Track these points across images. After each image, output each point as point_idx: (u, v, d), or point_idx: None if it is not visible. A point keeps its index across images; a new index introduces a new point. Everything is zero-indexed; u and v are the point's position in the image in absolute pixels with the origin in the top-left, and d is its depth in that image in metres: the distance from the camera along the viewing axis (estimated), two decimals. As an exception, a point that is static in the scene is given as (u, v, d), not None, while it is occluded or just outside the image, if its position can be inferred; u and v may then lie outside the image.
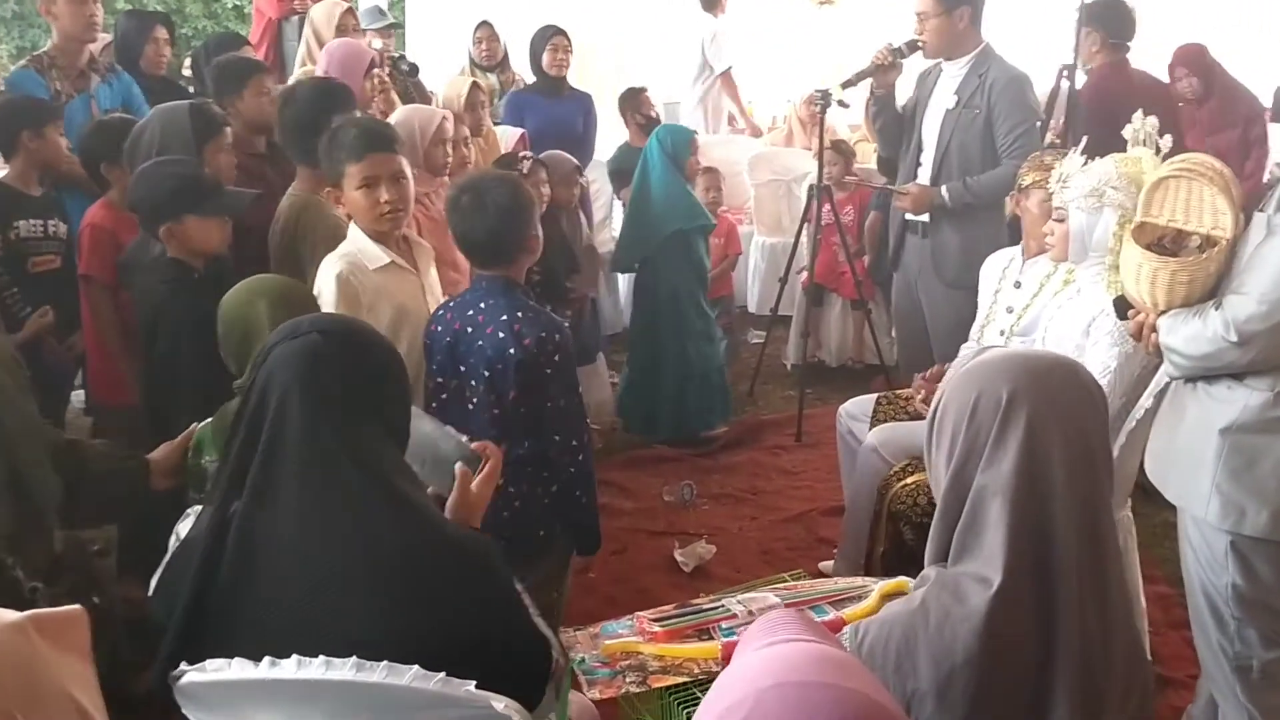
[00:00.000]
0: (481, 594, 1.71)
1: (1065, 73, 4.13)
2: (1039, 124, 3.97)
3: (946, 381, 1.52)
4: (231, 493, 1.65)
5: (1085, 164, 2.84)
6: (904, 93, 4.37)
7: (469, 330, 2.68)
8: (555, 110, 5.55)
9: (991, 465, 1.42)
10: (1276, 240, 2.00)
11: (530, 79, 5.93)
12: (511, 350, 2.59)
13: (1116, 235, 2.76)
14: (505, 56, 6.35)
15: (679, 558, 3.90)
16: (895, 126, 4.36)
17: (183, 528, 1.82)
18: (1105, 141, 2.93)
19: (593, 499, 2.78)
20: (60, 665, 0.98)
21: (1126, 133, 2.65)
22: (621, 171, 6.04)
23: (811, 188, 5.02)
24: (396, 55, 5.42)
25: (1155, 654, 3.20)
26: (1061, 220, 2.92)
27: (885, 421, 3.55)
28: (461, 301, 2.76)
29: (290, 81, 4.49)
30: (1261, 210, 2.10)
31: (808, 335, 5.36)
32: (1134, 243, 2.23)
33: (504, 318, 2.64)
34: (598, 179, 6.05)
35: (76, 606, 1.04)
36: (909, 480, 3.22)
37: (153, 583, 1.76)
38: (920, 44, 4.08)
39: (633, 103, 5.94)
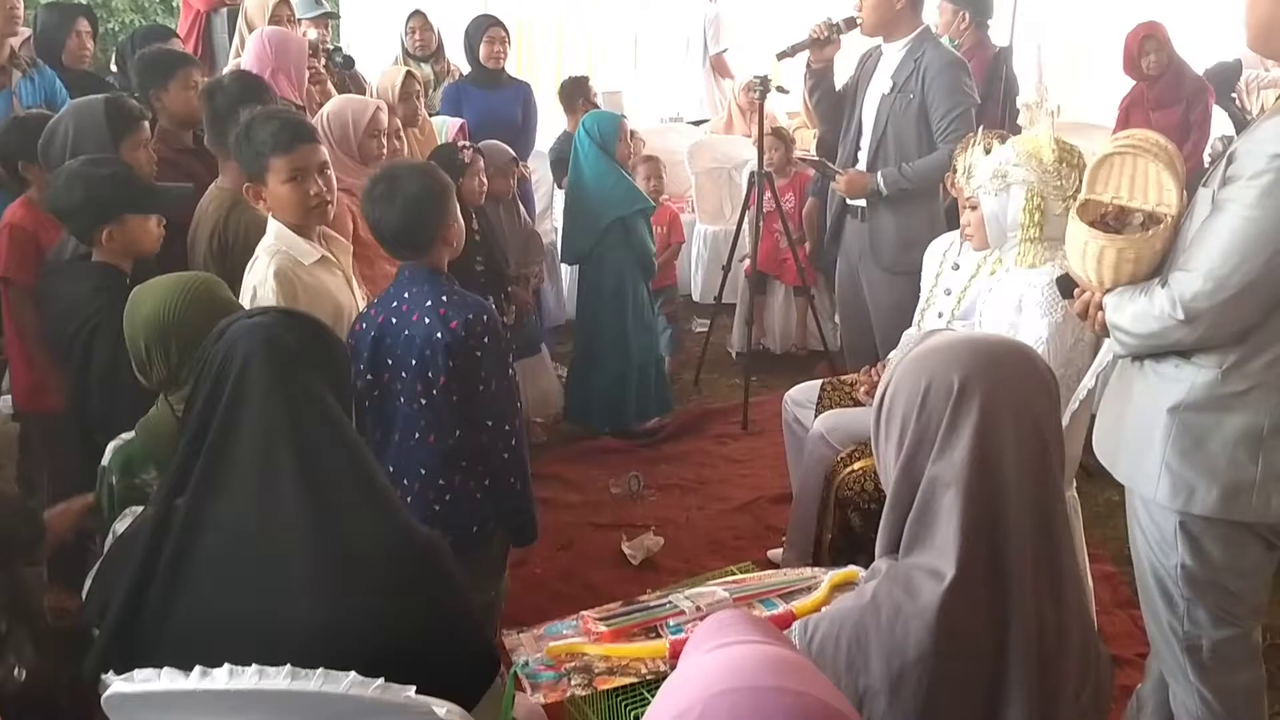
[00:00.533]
0: (427, 593, 1.68)
1: (1001, 56, 4.14)
2: (974, 108, 3.96)
3: (893, 368, 1.48)
4: (176, 488, 1.60)
5: (986, 151, 2.88)
6: (845, 72, 4.35)
7: (394, 321, 2.62)
8: (493, 100, 5.47)
9: (943, 455, 1.38)
10: (1222, 216, 1.99)
11: (466, 69, 5.85)
12: (439, 335, 2.53)
13: (1027, 210, 2.80)
14: (440, 46, 6.25)
15: (627, 550, 3.86)
16: (831, 104, 4.34)
17: (120, 526, 1.76)
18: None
19: (527, 486, 2.72)
20: None
21: (1020, 104, 2.67)
22: (562, 161, 5.95)
23: (752, 175, 4.99)
24: (332, 47, 5.31)
25: (1103, 632, 3.20)
26: (975, 207, 2.95)
27: (831, 408, 3.54)
28: (385, 296, 2.70)
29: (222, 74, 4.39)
30: (1205, 186, 2.09)
31: (752, 323, 5.35)
32: (1079, 220, 2.21)
33: (429, 303, 2.58)
34: (539, 168, 5.98)
35: None
36: (855, 466, 3.21)
37: (86, 582, 1.70)
38: (856, 22, 4.05)
39: (574, 92, 5.88)
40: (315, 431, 1.64)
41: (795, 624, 1.45)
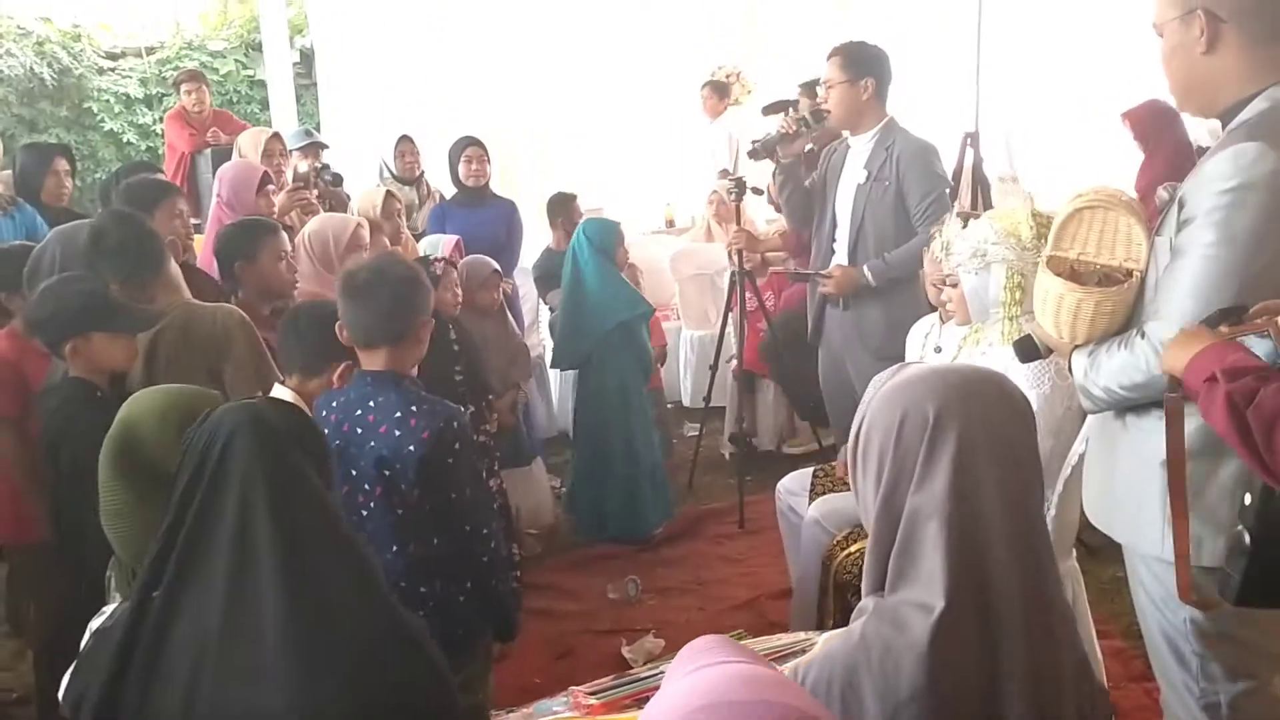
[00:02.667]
0: (413, 684, 1.63)
1: (969, 140, 4.22)
2: (948, 190, 4.03)
3: (866, 403, 1.47)
4: (152, 580, 1.57)
5: (963, 227, 2.90)
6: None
7: (359, 431, 2.52)
8: (475, 219, 5.55)
9: (923, 487, 1.37)
10: (1184, 259, 2.00)
11: (448, 191, 5.96)
12: (411, 448, 2.45)
13: (1007, 289, 2.81)
14: (421, 171, 6.40)
15: (627, 655, 3.78)
16: (801, 198, 4.41)
17: (97, 623, 1.72)
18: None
19: (509, 585, 2.69)
20: None
21: (995, 177, 2.70)
22: (546, 276, 6.05)
23: (733, 275, 5.03)
24: (320, 165, 5.44)
25: (1117, 707, 3.13)
26: (955, 285, 2.96)
27: (823, 494, 3.51)
28: (346, 402, 2.59)
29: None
30: (1160, 234, 2.11)
31: (743, 420, 5.33)
32: (1051, 274, 2.22)
33: (398, 414, 2.49)
34: (524, 284, 6.04)
35: None
36: (853, 549, 3.17)
37: (64, 681, 1.66)
38: (825, 113, 4.14)
39: (560, 209, 5.97)
40: (299, 512, 1.61)
41: (785, 668, 1.41)
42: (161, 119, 9.52)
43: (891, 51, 4.18)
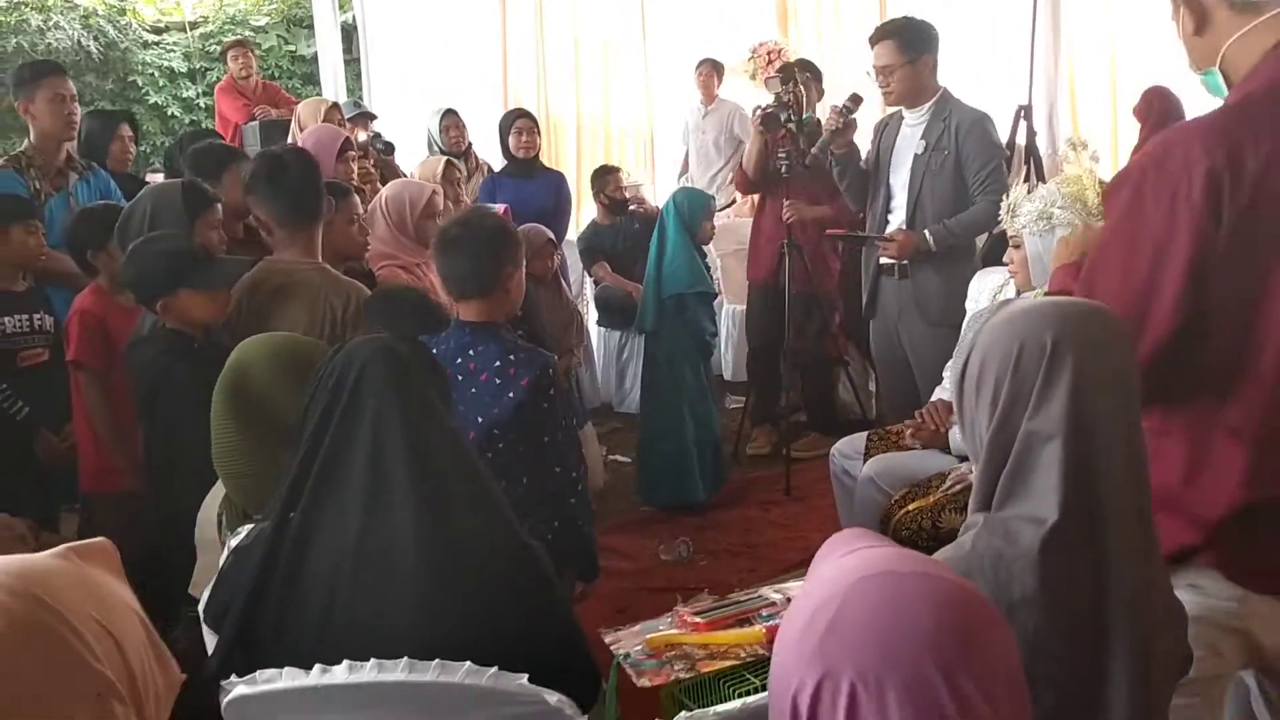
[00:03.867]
0: (537, 598, 1.73)
1: (1022, 113, 4.28)
2: (1005, 160, 4.10)
3: (975, 337, 1.55)
4: (290, 502, 1.67)
5: (1029, 191, 2.97)
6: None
7: (459, 378, 2.64)
8: (525, 190, 5.66)
9: (1040, 411, 1.44)
10: None
11: (496, 165, 6.07)
12: (511, 393, 2.60)
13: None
14: (469, 144, 6.49)
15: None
16: (861, 182, 4.48)
17: (235, 542, 1.83)
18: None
19: (592, 527, 2.82)
20: (110, 583, 1.00)
21: (1064, 142, 2.76)
22: (590, 249, 6.15)
23: (783, 246, 5.09)
24: (373, 134, 5.54)
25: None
26: (1018, 247, 3.03)
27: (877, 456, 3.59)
28: (446, 350, 2.70)
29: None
30: None
31: (788, 391, 5.39)
32: None
33: (498, 363, 2.64)
34: (570, 255, 6.13)
35: (102, 538, 1.06)
36: (910, 507, 3.23)
37: (204, 598, 1.76)
38: (861, 97, 4.27)
39: (601, 182, 6.06)
40: (429, 438, 1.71)
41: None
42: (205, 93, 9.67)
43: (939, 24, 4.26)
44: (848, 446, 3.79)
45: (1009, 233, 3.06)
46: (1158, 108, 5.41)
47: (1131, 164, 1.81)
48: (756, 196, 5.87)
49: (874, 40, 4.19)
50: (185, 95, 10.33)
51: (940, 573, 0.99)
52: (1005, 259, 3.16)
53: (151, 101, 10.17)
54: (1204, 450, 1.72)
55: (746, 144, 5.85)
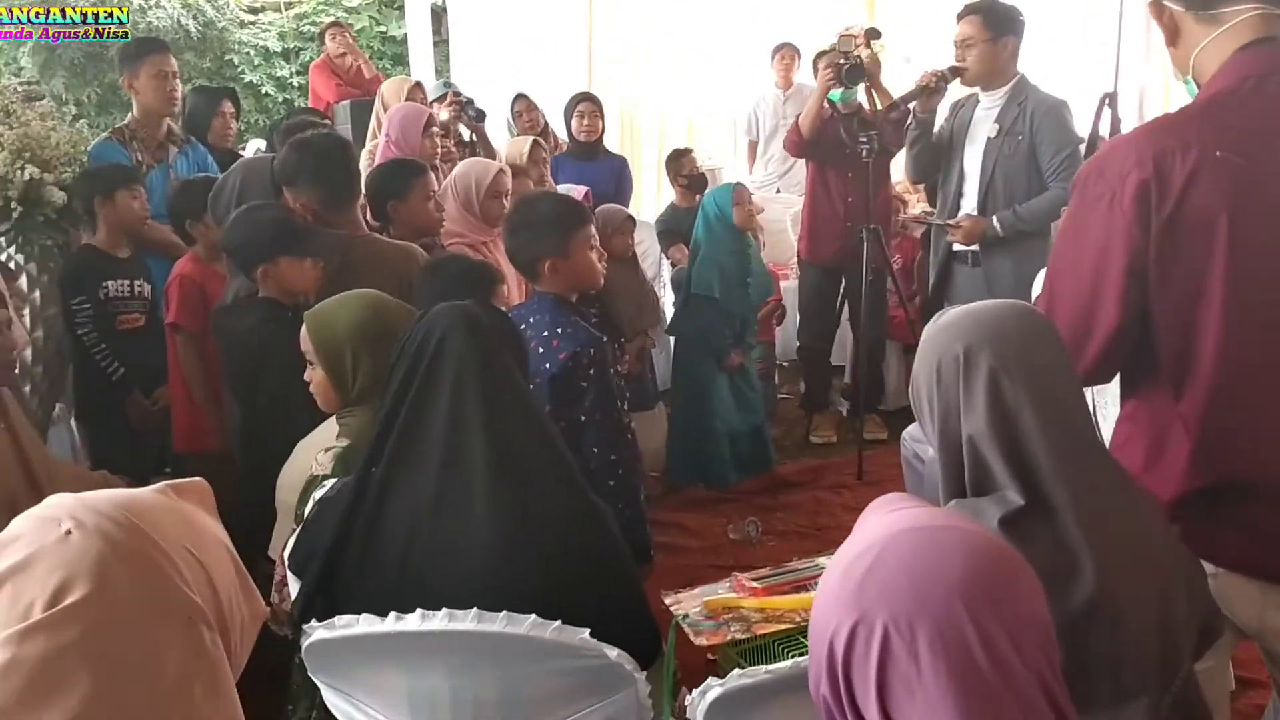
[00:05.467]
0: (605, 558, 1.81)
1: (1107, 100, 4.21)
2: (1082, 148, 4.06)
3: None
4: (373, 457, 1.77)
5: None
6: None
7: None
8: (587, 172, 5.74)
9: (969, 417, 1.51)
10: None
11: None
12: (547, 365, 2.65)
13: None
14: (546, 124, 6.57)
15: (750, 588, 3.92)
16: (930, 154, 4.47)
17: (319, 494, 1.93)
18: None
19: (638, 511, 2.81)
20: (203, 517, 1.09)
21: None
22: (668, 231, 6.19)
23: (863, 231, 5.07)
24: (465, 100, 5.61)
25: (1236, 660, 3.18)
26: None
27: (949, 440, 3.60)
28: (516, 316, 2.77)
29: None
30: None
31: (864, 376, 5.39)
32: None
33: (545, 333, 2.71)
34: (644, 239, 6.18)
35: (198, 478, 1.15)
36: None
37: (289, 545, 1.87)
38: (961, 69, 4.19)
39: (676, 164, 6.12)
40: (505, 401, 1.80)
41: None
42: (299, 72, 9.89)
43: (1029, 13, 4.23)
44: (918, 430, 3.80)
45: None
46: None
47: (1084, 168, 1.90)
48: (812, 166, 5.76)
49: (961, 15, 4.19)
50: (279, 74, 10.59)
51: (973, 527, 1.04)
52: None
53: (246, 80, 10.44)
54: (1162, 438, 1.83)
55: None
